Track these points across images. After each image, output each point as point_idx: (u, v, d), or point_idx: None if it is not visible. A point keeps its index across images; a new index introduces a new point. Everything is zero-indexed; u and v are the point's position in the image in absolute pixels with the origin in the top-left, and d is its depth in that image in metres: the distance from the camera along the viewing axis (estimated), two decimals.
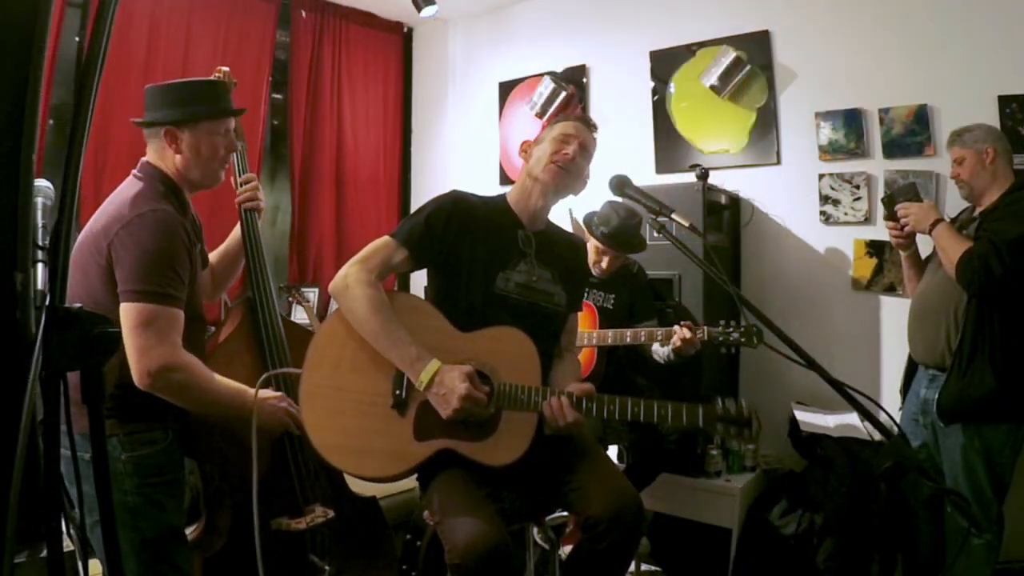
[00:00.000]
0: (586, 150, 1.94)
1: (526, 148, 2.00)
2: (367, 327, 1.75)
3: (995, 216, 2.31)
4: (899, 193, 2.54)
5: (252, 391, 1.77)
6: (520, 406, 1.72)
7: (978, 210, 2.43)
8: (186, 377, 1.63)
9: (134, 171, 1.78)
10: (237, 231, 2.07)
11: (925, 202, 2.47)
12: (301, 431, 1.80)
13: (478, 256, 1.86)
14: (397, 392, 1.75)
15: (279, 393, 1.88)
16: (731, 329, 2.45)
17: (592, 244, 2.82)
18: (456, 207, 1.87)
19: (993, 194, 2.38)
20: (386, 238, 1.85)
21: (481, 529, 1.57)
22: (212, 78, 1.97)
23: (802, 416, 3.02)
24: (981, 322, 2.24)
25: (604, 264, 2.82)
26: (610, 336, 2.73)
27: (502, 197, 2.00)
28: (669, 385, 2.82)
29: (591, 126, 1.99)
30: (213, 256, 2.07)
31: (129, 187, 1.74)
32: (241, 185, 2.07)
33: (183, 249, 1.68)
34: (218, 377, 1.72)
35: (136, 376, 1.58)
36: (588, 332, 2.77)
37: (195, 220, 1.85)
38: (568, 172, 1.89)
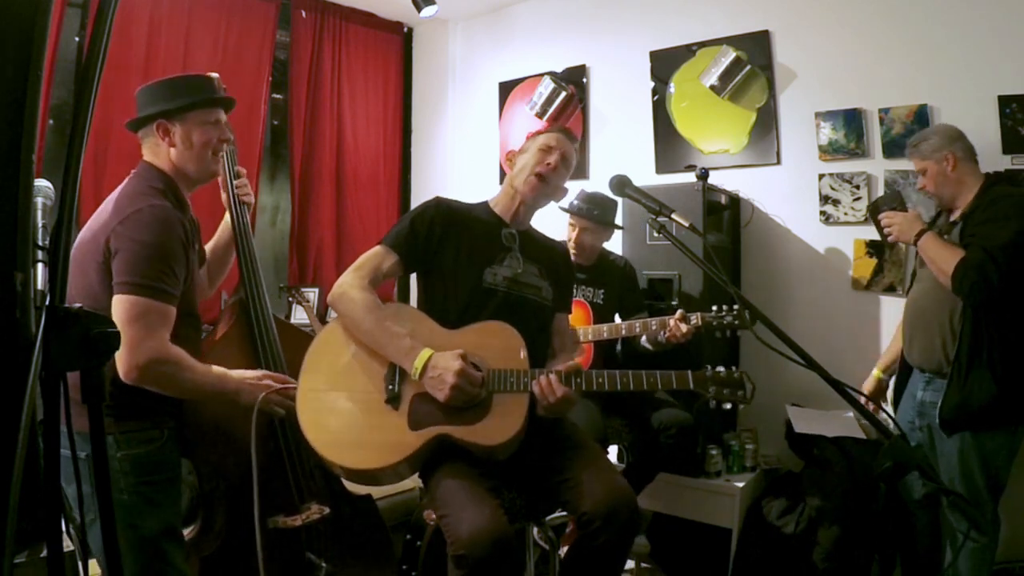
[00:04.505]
0: (567, 160, 2.02)
1: (510, 157, 2.10)
2: (363, 326, 1.81)
3: (977, 219, 2.25)
4: (883, 202, 2.51)
5: (233, 377, 1.76)
6: (510, 388, 1.76)
7: (956, 213, 2.37)
8: (173, 370, 1.63)
9: (133, 170, 1.79)
10: (225, 224, 2.08)
11: (910, 211, 2.43)
12: (288, 418, 1.83)
13: (464, 253, 1.93)
14: (390, 387, 1.78)
15: (259, 372, 1.85)
16: (724, 313, 2.55)
17: (567, 223, 2.92)
18: (438, 210, 1.97)
19: (965, 197, 2.33)
20: (376, 247, 1.94)
21: (486, 520, 1.59)
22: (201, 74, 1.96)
23: (796, 417, 3.02)
24: (978, 328, 2.21)
25: (575, 237, 2.88)
26: (605, 330, 2.77)
27: (484, 203, 2.08)
28: None
29: (572, 138, 2.07)
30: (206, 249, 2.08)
31: (127, 185, 1.75)
32: (234, 180, 2.07)
33: (180, 245, 1.68)
34: (199, 365, 1.71)
35: (122, 369, 1.58)
36: (583, 328, 2.79)
37: (194, 219, 1.85)
38: (547, 183, 1.99)
